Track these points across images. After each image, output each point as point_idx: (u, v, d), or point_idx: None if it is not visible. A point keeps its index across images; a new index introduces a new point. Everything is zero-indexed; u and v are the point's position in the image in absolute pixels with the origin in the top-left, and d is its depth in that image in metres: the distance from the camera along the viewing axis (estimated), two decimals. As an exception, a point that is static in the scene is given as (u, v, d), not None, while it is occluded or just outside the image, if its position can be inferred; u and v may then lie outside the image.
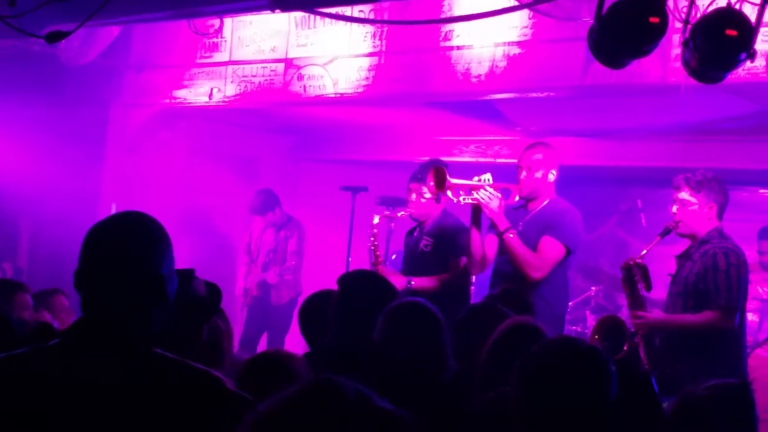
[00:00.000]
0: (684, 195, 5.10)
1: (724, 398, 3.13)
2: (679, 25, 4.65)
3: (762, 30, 4.60)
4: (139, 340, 2.37)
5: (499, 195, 5.62)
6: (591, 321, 7.98)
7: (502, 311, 4.24)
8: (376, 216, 6.25)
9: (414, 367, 3.65)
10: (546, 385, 2.72)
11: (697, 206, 5.08)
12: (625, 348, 4.45)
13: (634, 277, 5.03)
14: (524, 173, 5.70)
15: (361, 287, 4.22)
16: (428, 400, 3.45)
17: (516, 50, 6.72)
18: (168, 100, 9.05)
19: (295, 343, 7.62)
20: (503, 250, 5.68)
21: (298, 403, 1.67)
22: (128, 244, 2.39)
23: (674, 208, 5.16)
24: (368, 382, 3.34)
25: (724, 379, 3.31)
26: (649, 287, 5.00)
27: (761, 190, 9.22)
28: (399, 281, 6.04)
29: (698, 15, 4.50)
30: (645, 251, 5.15)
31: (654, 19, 4.33)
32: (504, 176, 5.87)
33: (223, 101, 8.59)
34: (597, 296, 8.55)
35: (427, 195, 6.16)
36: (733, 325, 4.81)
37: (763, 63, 4.79)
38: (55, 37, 5.19)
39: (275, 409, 1.68)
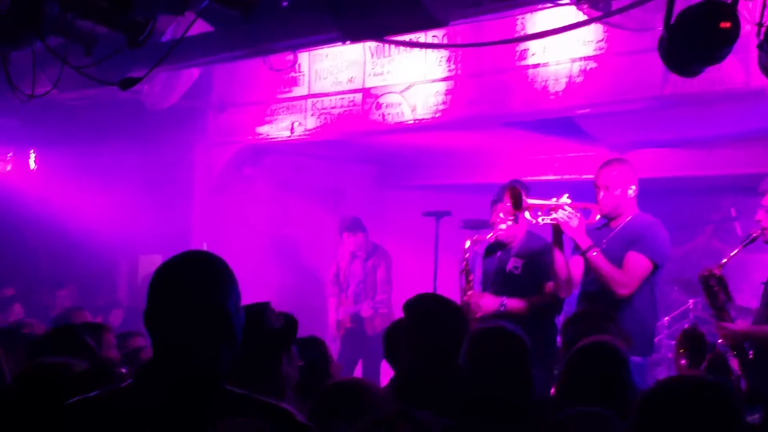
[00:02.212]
0: None
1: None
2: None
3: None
4: (209, 379, 2.39)
5: (578, 214, 5.50)
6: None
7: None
8: (468, 241, 6.17)
9: (499, 394, 3.58)
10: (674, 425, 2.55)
11: None
12: (705, 362, 4.28)
13: (713, 287, 4.82)
14: (602, 192, 5.58)
15: (428, 311, 4.12)
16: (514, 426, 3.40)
17: (592, 64, 6.63)
18: (251, 137, 9.17)
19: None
20: (589, 270, 5.58)
21: None
22: (194, 283, 2.41)
23: (760, 215, 4.93)
24: (452, 408, 3.33)
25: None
26: (728, 297, 4.78)
27: None
28: (491, 303, 5.98)
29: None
30: (725, 260, 4.92)
31: (725, 24, 4.20)
32: (591, 192, 5.75)
33: (305, 134, 8.66)
34: (695, 308, 8.36)
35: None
36: None
37: None
38: (128, 84, 5.27)
39: None
